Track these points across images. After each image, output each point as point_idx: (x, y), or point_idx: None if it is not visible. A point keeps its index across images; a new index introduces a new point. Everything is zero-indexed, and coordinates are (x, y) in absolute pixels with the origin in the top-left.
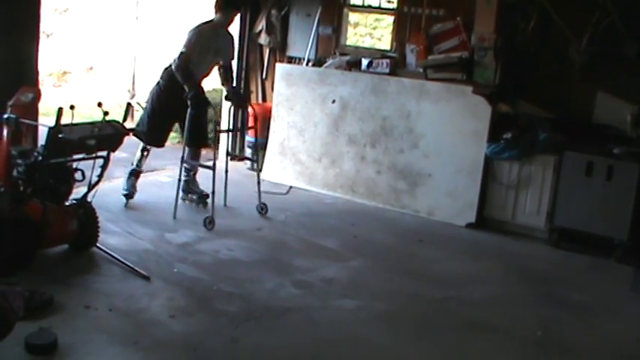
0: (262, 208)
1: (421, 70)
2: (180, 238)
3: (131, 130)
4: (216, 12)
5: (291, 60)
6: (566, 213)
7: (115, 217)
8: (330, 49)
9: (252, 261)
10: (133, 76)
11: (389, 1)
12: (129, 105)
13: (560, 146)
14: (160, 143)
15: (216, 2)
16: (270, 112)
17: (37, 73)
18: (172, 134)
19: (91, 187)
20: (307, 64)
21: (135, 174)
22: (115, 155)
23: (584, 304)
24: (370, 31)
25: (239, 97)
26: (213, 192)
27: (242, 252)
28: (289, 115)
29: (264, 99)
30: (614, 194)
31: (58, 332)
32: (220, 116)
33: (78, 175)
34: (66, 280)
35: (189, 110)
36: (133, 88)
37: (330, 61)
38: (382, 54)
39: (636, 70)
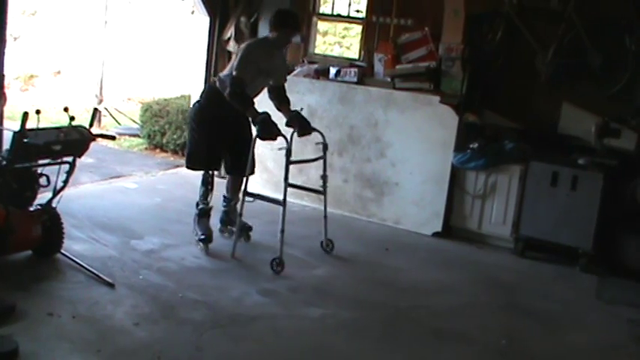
0: (328, 245)
1: (389, 80)
2: (145, 245)
3: (98, 135)
4: (271, 30)
5: None
6: (531, 222)
7: (79, 224)
8: (299, 57)
9: (218, 268)
10: (101, 81)
11: (357, 11)
12: (96, 110)
13: (526, 156)
14: (220, 165)
15: (272, 20)
16: None
17: (2, 76)
18: (139, 140)
19: (56, 192)
20: None
21: (205, 213)
22: (81, 161)
23: (549, 313)
24: (339, 39)
25: (304, 123)
26: (282, 230)
27: (208, 259)
28: None
29: None
30: (579, 204)
31: (20, 340)
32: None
33: (43, 181)
34: (29, 286)
35: (254, 135)
36: (101, 93)
37: (298, 70)
38: (350, 63)
39: (600, 81)
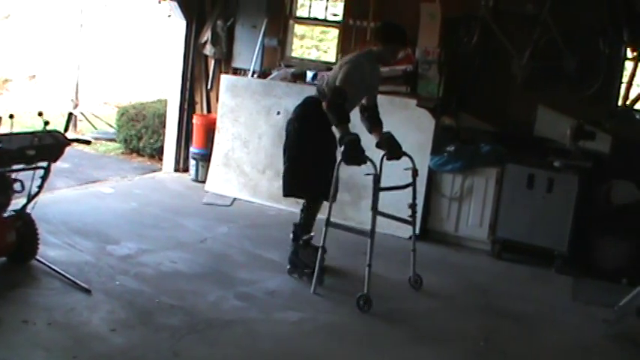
0: (417, 281)
1: None
2: (122, 250)
3: (73, 140)
4: (375, 44)
5: (236, 71)
6: (508, 225)
7: (55, 229)
8: (276, 60)
9: (195, 273)
10: (77, 85)
11: (334, 14)
12: (70, 114)
13: (502, 159)
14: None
15: (378, 33)
16: (214, 123)
17: None
18: (116, 144)
19: (30, 198)
20: (252, 75)
21: (309, 243)
22: (56, 166)
23: (525, 315)
24: (317, 43)
25: (394, 147)
26: (370, 265)
27: (185, 264)
28: (234, 127)
29: (208, 110)
30: (555, 206)
31: None
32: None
33: (17, 186)
34: (3, 294)
35: (339, 158)
36: (77, 98)
37: (275, 73)
38: (327, 66)
39: (575, 84)
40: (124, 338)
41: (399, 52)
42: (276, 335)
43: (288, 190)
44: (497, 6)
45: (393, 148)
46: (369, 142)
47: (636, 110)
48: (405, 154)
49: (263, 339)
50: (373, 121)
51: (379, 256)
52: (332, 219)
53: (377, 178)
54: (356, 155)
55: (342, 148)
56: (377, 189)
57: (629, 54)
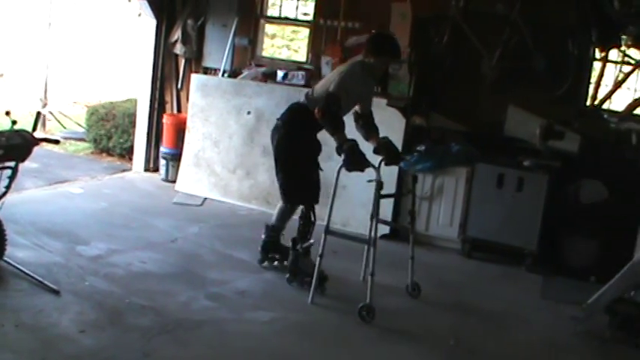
0: (414, 289)
1: None
2: (91, 251)
3: (42, 139)
4: (367, 55)
5: (206, 71)
6: (478, 224)
7: (23, 230)
8: (246, 60)
9: (166, 273)
10: (46, 84)
11: (305, 14)
12: (39, 114)
13: (472, 158)
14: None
15: (369, 45)
16: (185, 123)
17: None
18: (85, 144)
19: None
20: (223, 75)
21: (308, 252)
22: (24, 166)
23: (495, 313)
24: (288, 42)
25: (392, 152)
26: (373, 273)
27: (155, 264)
28: (204, 126)
29: (179, 110)
30: (524, 205)
31: None
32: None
33: None
34: None
35: (340, 165)
36: (46, 97)
37: (245, 73)
38: (298, 66)
39: (545, 85)
40: (93, 339)
41: (390, 64)
42: (246, 335)
43: (297, 199)
44: (468, 6)
45: (391, 154)
46: (365, 149)
47: (604, 110)
48: (404, 158)
49: (234, 339)
50: (369, 128)
51: (350, 255)
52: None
53: (379, 185)
54: (358, 161)
55: (343, 155)
56: (378, 196)
57: (598, 55)
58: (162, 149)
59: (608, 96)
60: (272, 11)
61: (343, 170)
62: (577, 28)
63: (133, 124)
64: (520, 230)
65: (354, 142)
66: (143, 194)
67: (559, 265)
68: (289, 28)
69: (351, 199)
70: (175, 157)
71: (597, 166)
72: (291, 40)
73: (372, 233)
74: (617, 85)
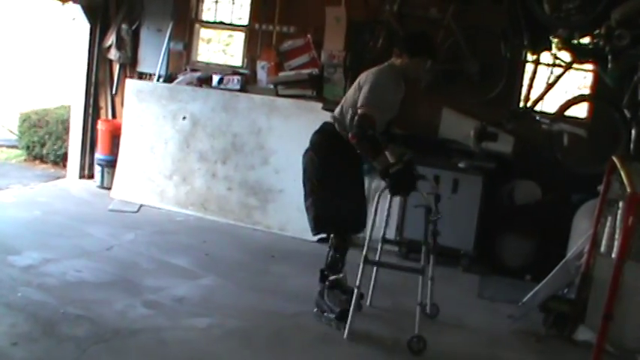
0: (432, 310)
1: (272, 87)
2: (24, 261)
3: None
4: (400, 55)
5: (141, 76)
6: (414, 225)
7: None
8: (182, 65)
9: (101, 282)
10: None
11: (240, 18)
12: None
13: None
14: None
15: (404, 45)
16: (120, 129)
17: None
18: (17, 151)
19: None
20: (158, 80)
21: (338, 285)
22: None
23: (433, 314)
24: (224, 47)
25: (400, 181)
26: (420, 303)
27: (90, 273)
28: (140, 132)
29: (114, 116)
30: (460, 206)
31: None
32: None
33: None
34: None
35: (388, 191)
36: None
37: (181, 78)
38: (233, 70)
39: (478, 87)
40: (26, 352)
41: (426, 66)
42: (184, 342)
43: (319, 227)
44: (402, 10)
45: (399, 183)
46: None
47: (537, 112)
48: (414, 188)
49: (171, 346)
50: (386, 136)
51: (287, 259)
52: (370, 256)
53: (429, 210)
54: (403, 187)
55: (387, 180)
56: (428, 221)
57: (530, 57)
58: (98, 156)
59: (540, 98)
60: (207, 15)
61: (283, 172)
62: (509, 32)
63: (67, 130)
64: (456, 231)
65: (401, 165)
66: (78, 202)
67: (495, 265)
68: (226, 33)
69: (289, 204)
70: (111, 164)
71: (531, 167)
72: (227, 44)
73: (423, 262)
74: (549, 87)
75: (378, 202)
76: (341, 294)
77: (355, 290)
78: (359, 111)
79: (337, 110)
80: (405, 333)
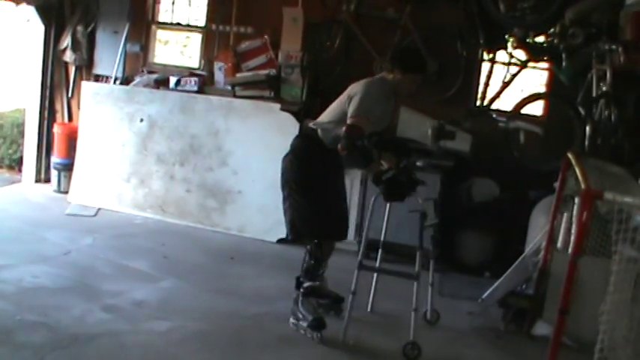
0: (433, 316)
1: (229, 88)
2: None
3: None
4: (392, 71)
5: (97, 78)
6: (374, 225)
7: None
8: (138, 67)
9: (59, 287)
10: None
11: (197, 19)
12: None
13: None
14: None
15: (396, 60)
16: (76, 132)
17: None
18: None
19: None
20: (115, 82)
21: (314, 292)
22: None
23: (392, 312)
24: (182, 48)
25: (395, 187)
26: (416, 309)
27: (48, 278)
28: (97, 135)
29: (70, 118)
30: (419, 205)
31: None
32: None
33: None
34: None
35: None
36: None
37: (137, 80)
38: (191, 72)
39: (435, 85)
40: None
41: (418, 83)
42: (144, 346)
43: (294, 231)
44: (359, 10)
45: (392, 190)
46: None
47: (493, 110)
48: (411, 194)
49: (131, 351)
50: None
51: (248, 261)
52: (363, 260)
53: (424, 216)
54: (396, 193)
55: (381, 186)
56: (423, 226)
57: (486, 56)
58: (54, 159)
59: (497, 96)
60: (164, 17)
61: (242, 173)
62: (465, 31)
63: (22, 134)
64: (416, 230)
65: (392, 173)
66: (34, 206)
67: (455, 262)
68: (183, 34)
69: (248, 205)
70: (67, 167)
71: (488, 165)
72: (185, 46)
73: (417, 268)
74: (505, 85)
75: (373, 207)
76: (317, 301)
77: (351, 296)
78: (348, 121)
79: (321, 118)
80: (392, 337)
